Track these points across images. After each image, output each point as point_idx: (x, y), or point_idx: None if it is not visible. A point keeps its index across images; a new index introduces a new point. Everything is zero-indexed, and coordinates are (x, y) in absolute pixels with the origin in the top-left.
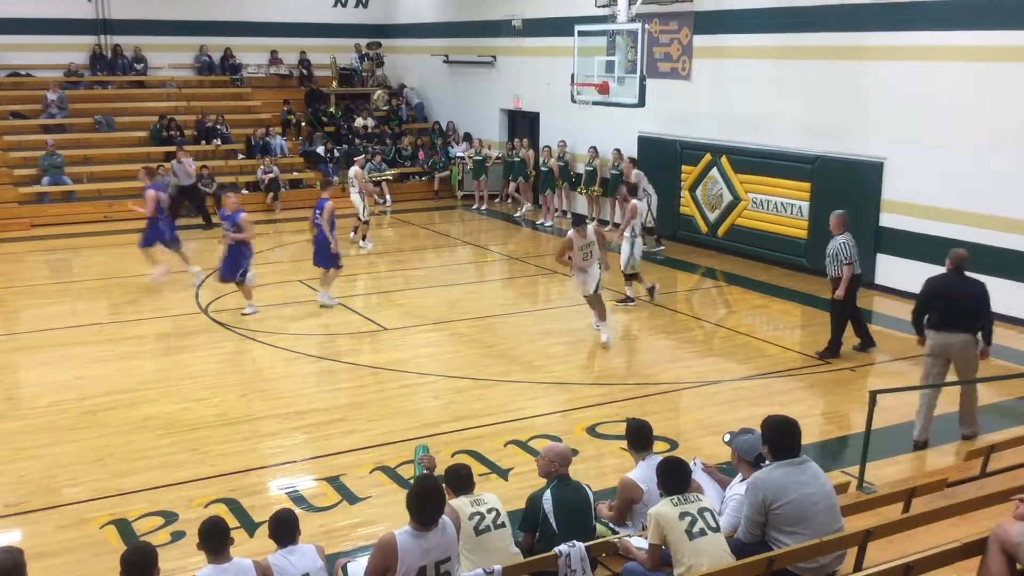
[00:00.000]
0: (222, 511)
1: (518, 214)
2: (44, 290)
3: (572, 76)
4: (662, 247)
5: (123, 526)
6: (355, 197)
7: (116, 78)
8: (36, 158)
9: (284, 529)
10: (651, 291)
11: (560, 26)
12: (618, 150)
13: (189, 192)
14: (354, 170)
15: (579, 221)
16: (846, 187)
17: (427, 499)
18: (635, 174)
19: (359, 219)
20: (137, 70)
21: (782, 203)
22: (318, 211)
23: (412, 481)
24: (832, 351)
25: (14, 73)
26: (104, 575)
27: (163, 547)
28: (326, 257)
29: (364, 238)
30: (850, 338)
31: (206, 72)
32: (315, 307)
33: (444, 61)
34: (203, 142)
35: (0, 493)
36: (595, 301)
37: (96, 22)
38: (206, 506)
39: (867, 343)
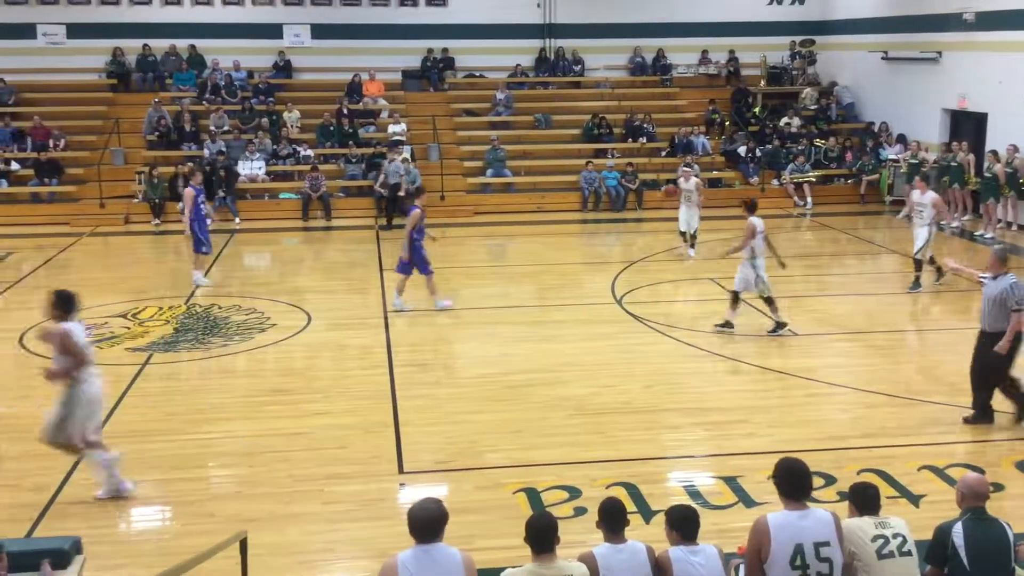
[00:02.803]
0: (621, 494)
1: (955, 224)
2: (481, 272)
3: None
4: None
5: (532, 495)
6: (685, 209)
7: (556, 79)
8: (483, 152)
9: (689, 525)
10: (779, 326)
11: (1020, 19)
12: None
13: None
14: (694, 181)
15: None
16: None
17: (795, 474)
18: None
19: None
20: (575, 71)
21: None
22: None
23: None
24: (985, 413)
25: (470, 74)
26: (511, 537)
27: (565, 520)
28: (406, 263)
29: (692, 246)
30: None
31: (638, 73)
32: (724, 306)
33: (882, 58)
34: (629, 140)
35: (432, 450)
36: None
37: (543, 27)
38: (607, 487)
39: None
